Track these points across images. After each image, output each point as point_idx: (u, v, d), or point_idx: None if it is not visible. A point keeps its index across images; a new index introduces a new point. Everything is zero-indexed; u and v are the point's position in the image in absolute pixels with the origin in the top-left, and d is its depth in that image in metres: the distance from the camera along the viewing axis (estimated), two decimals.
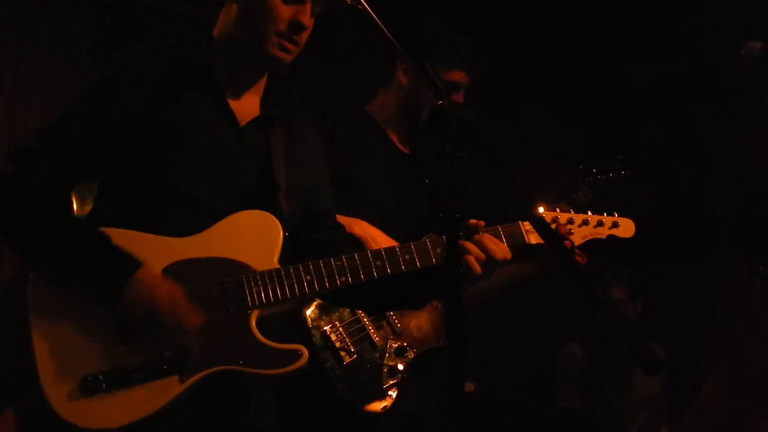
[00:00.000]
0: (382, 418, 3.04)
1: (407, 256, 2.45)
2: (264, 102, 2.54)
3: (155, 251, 2.27)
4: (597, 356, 5.23)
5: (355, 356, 3.04)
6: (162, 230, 2.31)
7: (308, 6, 2.42)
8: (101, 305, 2.22)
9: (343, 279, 2.39)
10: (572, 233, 2.76)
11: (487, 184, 3.49)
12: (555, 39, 6.35)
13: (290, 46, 2.42)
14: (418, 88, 3.32)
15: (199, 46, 2.49)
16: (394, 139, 3.42)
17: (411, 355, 3.13)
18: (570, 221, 2.77)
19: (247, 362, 2.26)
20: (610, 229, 2.83)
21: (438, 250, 2.46)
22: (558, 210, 2.79)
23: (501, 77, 5.81)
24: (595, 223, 2.81)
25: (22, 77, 4.83)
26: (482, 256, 2.45)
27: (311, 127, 2.70)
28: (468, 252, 2.43)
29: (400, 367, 3.09)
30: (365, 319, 3.11)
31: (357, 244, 2.93)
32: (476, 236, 2.48)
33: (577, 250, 2.80)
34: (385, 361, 3.08)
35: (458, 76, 3.39)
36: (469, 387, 4.49)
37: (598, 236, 2.83)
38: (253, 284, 2.31)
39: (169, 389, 2.21)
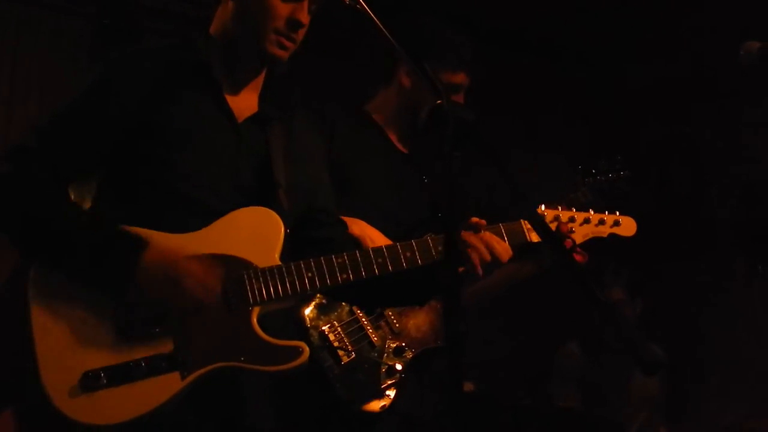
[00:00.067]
0: (380, 418, 3.04)
1: (408, 254, 2.46)
2: (262, 99, 2.55)
3: (158, 243, 2.27)
4: (595, 356, 5.23)
5: (353, 356, 3.04)
6: (161, 230, 2.31)
7: (305, 3, 2.43)
8: (104, 299, 2.22)
9: (345, 276, 2.39)
10: (573, 232, 2.76)
11: (486, 184, 3.49)
12: (555, 39, 6.34)
13: (287, 43, 2.43)
14: (420, 90, 3.32)
15: (196, 45, 2.50)
16: (394, 139, 3.43)
17: (409, 355, 3.13)
18: (571, 219, 2.78)
19: (249, 359, 2.26)
20: (611, 227, 2.84)
21: (440, 248, 2.47)
22: (560, 208, 2.80)
23: (501, 78, 5.82)
24: (597, 222, 2.82)
25: (19, 77, 4.82)
26: (487, 255, 2.46)
27: (310, 126, 2.71)
28: (474, 249, 2.44)
29: (399, 367, 3.09)
30: (363, 319, 3.11)
31: (355, 243, 2.93)
32: (480, 234, 2.49)
33: (578, 249, 2.81)
34: (383, 361, 3.08)
35: (458, 77, 3.39)
36: (468, 387, 4.49)
37: (599, 235, 2.83)
38: (254, 281, 2.31)
39: (170, 385, 2.21)
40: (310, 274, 2.36)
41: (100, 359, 2.20)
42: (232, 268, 2.31)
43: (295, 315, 2.99)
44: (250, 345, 2.27)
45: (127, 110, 2.34)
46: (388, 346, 3.11)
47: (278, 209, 2.41)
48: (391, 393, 3.05)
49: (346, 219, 2.84)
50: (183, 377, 2.22)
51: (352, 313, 3.10)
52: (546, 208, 2.79)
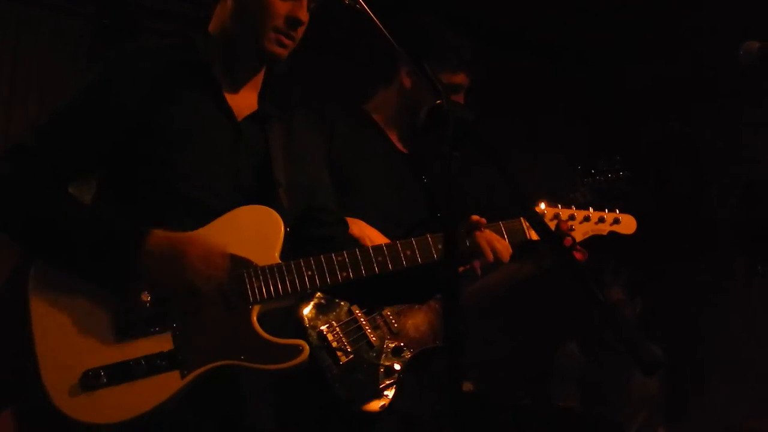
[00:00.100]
0: (379, 418, 3.04)
1: (408, 252, 2.46)
2: (262, 98, 2.55)
3: None
4: (595, 356, 5.23)
5: (351, 356, 3.03)
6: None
7: (304, 1, 2.43)
8: (104, 298, 2.23)
9: (344, 274, 2.40)
10: (573, 230, 2.77)
11: (486, 183, 3.50)
12: (555, 39, 6.35)
13: (287, 41, 2.43)
14: (421, 90, 3.32)
15: (194, 44, 2.50)
16: (394, 138, 3.43)
17: (408, 355, 3.13)
18: (571, 217, 2.78)
19: (249, 357, 2.26)
20: (611, 225, 2.84)
21: (440, 246, 2.47)
22: (559, 206, 2.80)
23: (501, 78, 5.82)
24: (597, 220, 2.82)
25: (19, 77, 4.82)
26: (489, 254, 2.47)
27: (310, 125, 2.71)
28: (478, 247, 2.44)
29: (397, 367, 3.09)
30: (362, 319, 3.11)
31: (355, 244, 2.93)
32: (482, 233, 2.49)
33: (578, 246, 2.81)
34: (381, 361, 3.08)
35: (458, 77, 3.40)
36: (467, 387, 4.49)
37: (599, 233, 2.84)
38: (254, 279, 2.31)
39: (170, 384, 2.21)
40: (310, 273, 2.37)
41: (99, 358, 2.20)
42: (232, 266, 2.31)
43: (293, 315, 2.99)
44: (250, 343, 2.27)
45: (127, 110, 2.34)
46: (387, 346, 3.11)
47: (278, 208, 2.41)
48: (390, 393, 3.05)
49: (346, 219, 2.84)
50: (183, 376, 2.22)
51: (350, 313, 3.10)
52: (546, 206, 2.79)
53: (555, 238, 2.53)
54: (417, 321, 3.20)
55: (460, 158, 1.89)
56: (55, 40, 4.93)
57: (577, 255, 2.82)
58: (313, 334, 3.02)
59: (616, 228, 2.84)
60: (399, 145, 3.43)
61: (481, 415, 4.27)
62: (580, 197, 3.38)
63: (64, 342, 2.20)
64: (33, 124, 2.38)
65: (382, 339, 3.12)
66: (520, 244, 2.60)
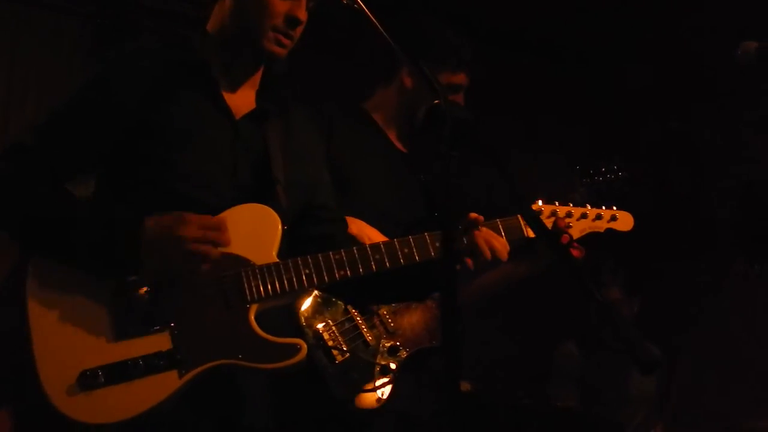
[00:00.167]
0: (377, 417, 3.04)
1: (406, 250, 2.46)
2: (260, 96, 2.55)
3: None
4: (593, 355, 5.23)
5: (347, 355, 3.03)
6: None
7: (303, 0, 2.43)
8: (102, 298, 2.23)
9: (342, 273, 2.39)
10: (571, 227, 2.77)
11: (486, 183, 3.50)
12: (555, 39, 6.35)
13: (285, 41, 2.43)
14: (421, 90, 3.32)
15: (192, 43, 2.50)
16: (393, 138, 3.42)
17: (404, 354, 3.12)
18: (569, 215, 2.78)
19: (246, 356, 2.26)
20: (608, 222, 2.84)
21: (437, 244, 2.47)
22: (556, 203, 2.80)
23: (501, 78, 5.82)
24: (594, 217, 2.82)
25: (17, 77, 4.82)
26: (488, 253, 2.47)
27: (308, 123, 2.70)
28: (475, 246, 2.44)
29: (393, 366, 3.09)
30: (358, 318, 3.11)
31: (353, 242, 2.93)
32: (479, 231, 2.49)
33: (575, 244, 2.81)
34: (377, 360, 3.08)
35: (458, 77, 3.40)
36: (466, 386, 4.49)
37: (596, 230, 2.84)
38: (252, 278, 2.32)
39: (168, 384, 2.21)
40: (307, 271, 2.37)
41: (97, 357, 2.20)
42: (230, 265, 2.31)
43: (290, 314, 2.99)
44: (248, 343, 2.27)
45: (127, 109, 2.34)
46: (383, 345, 3.11)
47: (276, 206, 2.41)
48: (386, 392, 3.05)
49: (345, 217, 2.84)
50: (181, 375, 2.22)
51: (347, 312, 3.10)
52: (543, 203, 2.79)
53: (552, 235, 2.53)
54: (413, 320, 3.20)
55: (458, 158, 1.89)
56: (53, 40, 4.93)
57: (575, 252, 2.82)
58: (309, 332, 3.01)
59: (613, 225, 2.84)
60: (398, 144, 3.43)
61: (479, 414, 4.27)
62: (578, 198, 3.38)
63: (61, 341, 2.20)
64: (31, 123, 2.38)
65: (378, 338, 3.12)
66: (518, 243, 2.60)
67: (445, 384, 1.80)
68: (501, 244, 2.50)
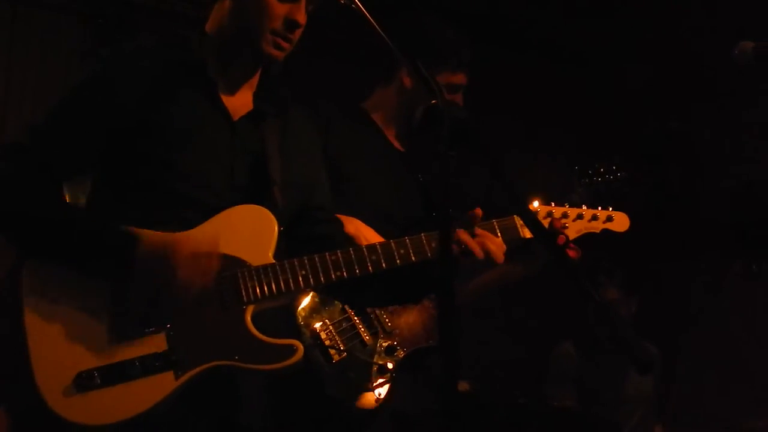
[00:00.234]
0: (374, 418, 3.04)
1: (402, 251, 2.46)
2: (257, 97, 2.54)
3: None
4: (591, 355, 5.23)
5: (344, 354, 3.03)
6: (157, 229, 2.30)
7: (303, 3, 2.42)
8: (98, 298, 2.23)
9: (338, 273, 2.39)
10: (567, 227, 2.77)
11: (483, 184, 3.50)
12: (555, 39, 6.34)
13: (284, 44, 2.43)
14: (421, 90, 3.32)
15: (190, 43, 2.50)
16: (391, 137, 3.42)
17: (401, 354, 3.12)
18: (564, 215, 2.78)
19: (243, 358, 2.26)
20: (604, 223, 2.84)
21: (433, 245, 2.46)
22: (552, 204, 2.80)
23: (501, 78, 5.82)
24: (590, 217, 2.82)
25: (15, 76, 4.82)
26: (480, 253, 2.47)
27: (306, 123, 2.70)
28: (468, 248, 2.44)
29: (390, 365, 3.09)
30: (355, 318, 3.10)
31: (350, 242, 2.93)
32: (474, 232, 2.49)
33: (571, 244, 2.81)
34: (374, 360, 3.08)
35: (458, 77, 3.40)
36: (464, 386, 4.48)
37: (592, 230, 2.84)
38: (248, 279, 2.31)
39: (164, 385, 2.21)
40: (303, 272, 2.36)
41: (94, 359, 2.20)
42: (226, 266, 2.31)
43: (287, 313, 2.99)
44: (244, 344, 2.27)
45: (126, 109, 2.33)
46: (380, 345, 3.11)
47: (272, 207, 2.41)
48: (383, 391, 3.05)
49: (342, 217, 2.84)
50: (177, 377, 2.22)
51: (344, 311, 3.10)
52: (539, 204, 2.79)
53: (548, 235, 2.53)
54: (410, 320, 3.20)
55: (456, 157, 1.89)
56: (52, 40, 4.92)
57: (571, 253, 2.82)
58: (306, 332, 3.02)
59: (609, 226, 2.84)
60: (396, 144, 3.43)
61: (477, 414, 4.26)
62: (577, 198, 3.38)
63: (57, 343, 2.20)
64: (28, 123, 2.38)
65: (375, 338, 3.12)
66: (514, 244, 2.59)
67: (442, 384, 1.80)
68: (496, 245, 2.49)
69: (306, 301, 3.06)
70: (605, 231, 2.86)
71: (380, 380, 3.07)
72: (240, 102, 2.50)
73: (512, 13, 5.93)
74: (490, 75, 4.48)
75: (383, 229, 3.04)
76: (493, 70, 5.05)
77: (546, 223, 2.78)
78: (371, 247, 2.44)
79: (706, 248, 5.93)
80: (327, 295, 2.99)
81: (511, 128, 5.85)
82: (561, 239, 2.72)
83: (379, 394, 3.04)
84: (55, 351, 2.19)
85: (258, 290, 2.31)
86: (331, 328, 3.06)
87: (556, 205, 2.81)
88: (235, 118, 2.47)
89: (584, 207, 2.81)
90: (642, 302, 5.34)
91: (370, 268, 2.42)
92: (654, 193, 5.88)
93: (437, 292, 2.12)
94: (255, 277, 2.32)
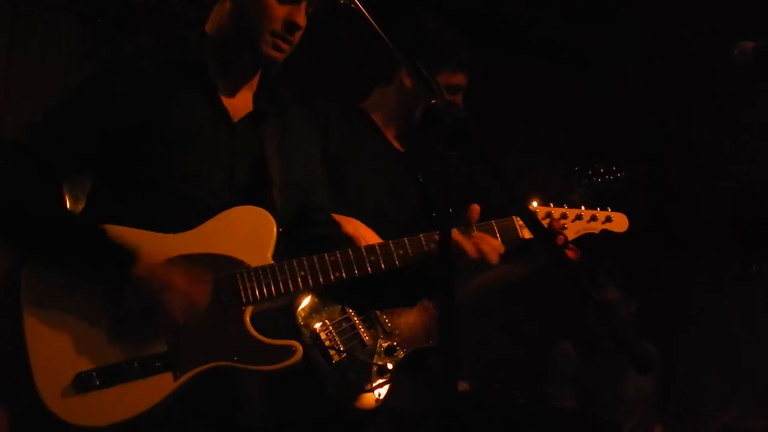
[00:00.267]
0: (373, 418, 3.04)
1: (401, 251, 2.46)
2: (257, 98, 2.54)
3: (149, 247, 2.27)
4: (590, 355, 5.23)
5: (344, 355, 3.03)
6: (157, 229, 2.31)
7: (303, 5, 2.42)
8: (97, 299, 2.23)
9: (337, 274, 2.39)
10: (566, 228, 2.76)
11: (483, 184, 3.49)
12: (555, 39, 6.34)
13: (284, 46, 2.42)
14: (420, 91, 3.31)
15: (190, 43, 2.50)
16: (390, 137, 3.42)
17: (401, 354, 3.12)
18: (563, 216, 2.78)
19: (242, 358, 2.26)
20: (603, 223, 2.83)
21: (432, 245, 2.46)
22: (551, 205, 2.80)
23: (501, 78, 5.82)
24: (589, 218, 2.82)
25: (15, 76, 4.82)
26: (474, 254, 2.46)
27: (305, 123, 2.70)
28: (461, 248, 2.44)
29: (390, 366, 3.09)
30: (355, 318, 3.10)
31: (349, 243, 2.93)
32: (470, 234, 2.49)
33: (570, 245, 2.80)
34: (374, 361, 3.08)
35: (457, 78, 3.39)
36: (463, 386, 4.49)
37: (591, 231, 2.83)
38: (246, 280, 2.31)
39: (163, 386, 2.21)
40: (302, 273, 2.36)
41: (92, 360, 2.20)
42: (225, 267, 2.31)
43: (287, 314, 2.99)
44: (243, 345, 2.27)
45: (127, 109, 2.33)
46: (380, 345, 3.11)
47: (271, 208, 2.41)
48: (383, 392, 3.05)
49: (341, 217, 2.84)
50: (176, 378, 2.22)
51: (344, 312, 3.10)
52: (537, 204, 2.79)
53: (547, 236, 2.52)
54: (410, 320, 3.20)
55: (456, 157, 1.89)
56: (51, 39, 4.92)
57: (570, 253, 2.81)
58: (306, 332, 3.01)
59: (608, 226, 2.84)
60: (396, 144, 3.43)
61: (477, 414, 4.26)
62: (576, 199, 3.37)
63: (56, 344, 2.20)
64: (27, 121, 2.37)
65: (375, 338, 3.12)
66: (514, 244, 2.59)
67: (442, 384, 1.80)
68: (491, 247, 2.48)
69: (306, 301, 3.05)
70: (604, 231, 2.85)
71: (380, 381, 3.06)
72: (240, 103, 2.50)
73: (512, 13, 5.93)
74: (490, 75, 4.47)
75: (382, 229, 3.04)
76: (493, 70, 5.05)
77: (545, 223, 2.78)
78: (370, 248, 2.44)
79: (706, 248, 5.93)
80: (327, 295, 2.99)
81: (510, 128, 5.85)
82: (560, 240, 2.72)
83: (379, 395, 3.04)
84: (54, 352, 2.19)
85: (257, 291, 2.31)
86: (330, 328, 3.06)
87: (554, 206, 2.81)
88: (236, 119, 2.47)
89: (583, 207, 2.81)
90: (642, 302, 5.34)
91: (369, 269, 2.42)
92: (654, 193, 5.88)
93: (436, 293, 2.12)
94: (254, 278, 2.32)
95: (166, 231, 2.31)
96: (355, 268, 2.41)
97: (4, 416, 2.22)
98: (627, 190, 3.34)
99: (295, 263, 2.37)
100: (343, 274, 2.40)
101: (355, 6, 2.20)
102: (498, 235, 2.56)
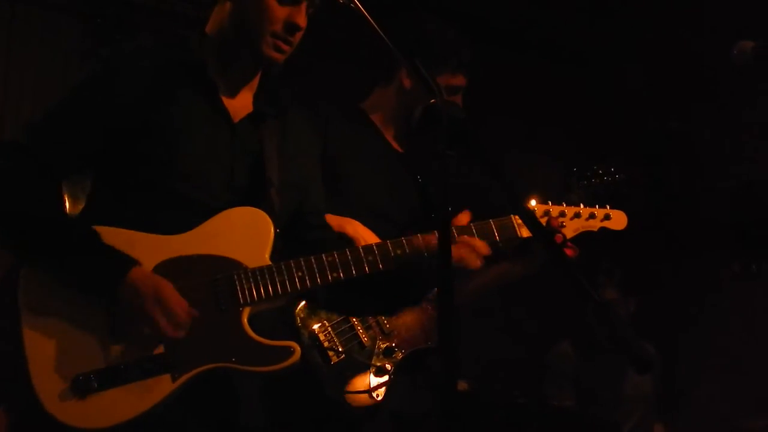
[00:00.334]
0: (372, 418, 3.04)
1: (399, 251, 2.46)
2: (257, 98, 2.54)
3: (146, 249, 2.27)
4: (589, 355, 5.23)
5: (342, 356, 3.03)
6: (156, 229, 2.31)
7: (303, 6, 2.42)
8: (94, 303, 2.23)
9: (335, 275, 2.39)
10: (564, 226, 2.76)
11: (482, 183, 3.50)
12: (554, 39, 6.34)
13: (284, 47, 2.42)
14: (420, 91, 3.31)
15: (190, 43, 2.49)
16: (389, 137, 3.41)
17: (399, 355, 3.12)
18: (562, 214, 2.77)
19: (240, 359, 2.26)
20: (601, 221, 2.83)
21: (431, 245, 2.46)
22: (550, 203, 2.80)
23: (500, 78, 5.82)
24: (587, 216, 2.82)
25: (14, 76, 4.81)
26: (455, 261, 2.45)
27: (305, 124, 2.70)
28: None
29: (388, 367, 3.09)
30: (354, 319, 3.10)
31: (348, 244, 2.93)
32: (457, 239, 2.50)
33: (568, 243, 2.80)
34: (373, 362, 3.08)
35: (457, 79, 3.38)
36: (463, 386, 4.49)
37: (590, 229, 2.83)
38: (244, 281, 2.31)
39: (161, 387, 2.21)
40: (300, 273, 2.36)
41: (90, 362, 2.20)
42: (222, 269, 2.31)
43: (285, 314, 2.99)
44: (241, 346, 2.27)
45: (126, 109, 2.33)
46: (378, 346, 3.11)
47: (269, 208, 2.41)
48: (381, 393, 3.05)
49: (340, 218, 2.84)
50: (174, 379, 2.22)
51: None
52: (536, 203, 2.78)
53: (546, 234, 2.52)
54: (409, 321, 3.19)
55: (455, 157, 1.89)
56: (51, 39, 4.92)
57: (568, 252, 2.81)
58: (304, 333, 3.01)
59: (606, 224, 2.83)
60: (395, 144, 3.42)
61: (476, 414, 4.26)
62: (575, 198, 3.37)
63: (54, 347, 2.20)
64: (26, 121, 2.37)
65: (373, 339, 3.12)
66: (512, 243, 2.59)
67: (442, 384, 1.80)
68: (469, 251, 2.48)
69: (304, 302, 3.05)
70: (603, 229, 2.85)
71: (378, 382, 3.06)
72: (240, 104, 2.50)
73: (512, 13, 5.92)
74: (490, 75, 4.47)
75: (382, 230, 3.04)
76: (493, 70, 5.05)
77: (543, 221, 2.77)
78: (368, 248, 2.45)
79: (706, 248, 5.93)
80: (327, 310, 2.99)
81: (510, 128, 5.84)
82: (558, 238, 2.72)
83: (377, 396, 3.04)
84: (52, 354, 2.19)
85: (254, 292, 2.31)
86: (329, 329, 3.06)
87: (553, 204, 2.81)
88: (236, 120, 2.47)
89: (582, 205, 2.81)
90: (641, 302, 5.34)
91: (366, 268, 2.42)
92: (654, 193, 5.88)
93: (437, 293, 2.12)
94: (251, 279, 2.32)
95: (165, 231, 2.31)
96: (352, 268, 2.41)
97: (4, 416, 2.22)
98: (625, 191, 3.34)
99: (292, 264, 2.36)
100: (341, 274, 2.39)
101: (354, 6, 2.20)
102: (496, 233, 2.56)
